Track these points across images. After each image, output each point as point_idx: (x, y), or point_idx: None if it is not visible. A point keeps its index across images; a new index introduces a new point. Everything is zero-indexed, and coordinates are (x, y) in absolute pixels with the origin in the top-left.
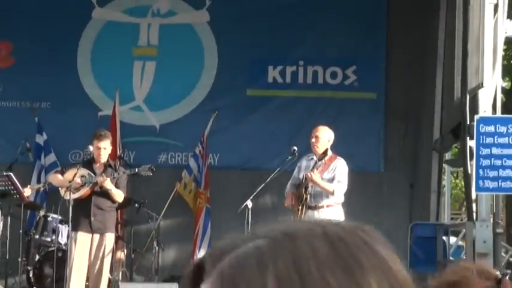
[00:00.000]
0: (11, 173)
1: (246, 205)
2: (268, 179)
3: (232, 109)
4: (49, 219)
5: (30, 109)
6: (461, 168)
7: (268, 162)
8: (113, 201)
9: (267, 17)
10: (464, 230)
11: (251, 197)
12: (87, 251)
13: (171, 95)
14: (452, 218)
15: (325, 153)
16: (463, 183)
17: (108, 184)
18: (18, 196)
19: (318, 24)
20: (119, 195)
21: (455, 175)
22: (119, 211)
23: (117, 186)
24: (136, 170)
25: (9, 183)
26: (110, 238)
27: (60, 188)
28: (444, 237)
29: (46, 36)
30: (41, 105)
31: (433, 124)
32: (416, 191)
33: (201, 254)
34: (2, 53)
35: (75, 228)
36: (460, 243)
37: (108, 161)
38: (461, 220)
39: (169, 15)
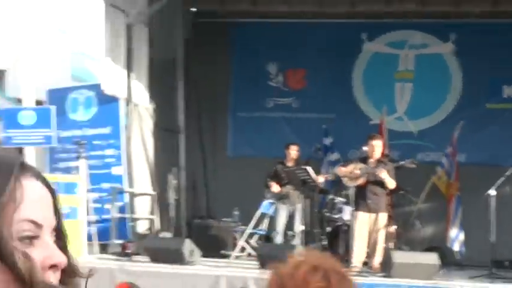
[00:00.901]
0: (308, 167)
1: (489, 194)
2: (507, 173)
3: (475, 118)
4: (336, 201)
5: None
6: None
7: (505, 159)
8: (385, 188)
9: (500, 47)
10: None
11: (494, 187)
12: (366, 226)
13: (425, 108)
14: None
15: None
16: None
17: (384, 175)
18: (313, 184)
19: None
20: (391, 183)
21: None
22: (389, 196)
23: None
24: (401, 163)
25: (307, 174)
26: (382, 217)
27: (342, 178)
28: None
29: (329, 64)
30: (327, 116)
31: None
32: None
33: (453, 231)
34: (298, 77)
35: (356, 208)
36: None
37: (379, 157)
38: None
39: (422, 47)
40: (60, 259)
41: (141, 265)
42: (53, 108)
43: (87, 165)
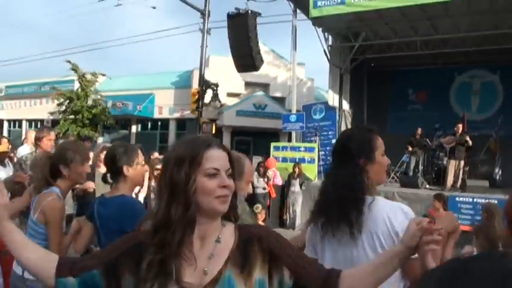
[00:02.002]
0: (426, 138)
1: None
2: None
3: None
4: (440, 155)
5: None
6: None
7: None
8: (465, 147)
9: None
10: None
11: None
12: (453, 167)
13: (483, 109)
14: None
15: None
16: None
17: (466, 139)
18: (429, 146)
19: None
20: (468, 144)
21: None
22: (467, 151)
23: None
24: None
25: (426, 142)
26: (462, 162)
27: (443, 143)
28: None
29: (439, 88)
30: (437, 113)
31: None
32: None
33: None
34: (423, 95)
35: (449, 158)
36: None
37: (461, 132)
38: None
39: (483, 77)
40: (228, 183)
41: None
42: (304, 114)
43: (320, 139)
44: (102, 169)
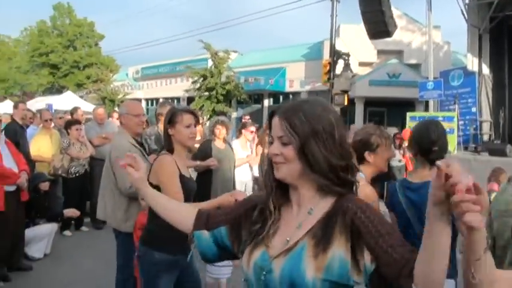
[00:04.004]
0: None
1: None
2: None
3: None
4: None
5: None
6: None
7: None
8: None
9: None
10: None
11: None
12: None
13: None
14: None
15: None
16: None
17: None
18: None
19: None
20: None
21: None
22: None
23: None
24: None
25: None
26: None
27: None
28: None
29: None
30: None
31: None
32: None
33: None
34: None
35: None
36: None
37: None
38: None
39: None
40: (270, 151)
41: (480, 157)
42: (442, 80)
43: (459, 107)
44: (218, 142)
